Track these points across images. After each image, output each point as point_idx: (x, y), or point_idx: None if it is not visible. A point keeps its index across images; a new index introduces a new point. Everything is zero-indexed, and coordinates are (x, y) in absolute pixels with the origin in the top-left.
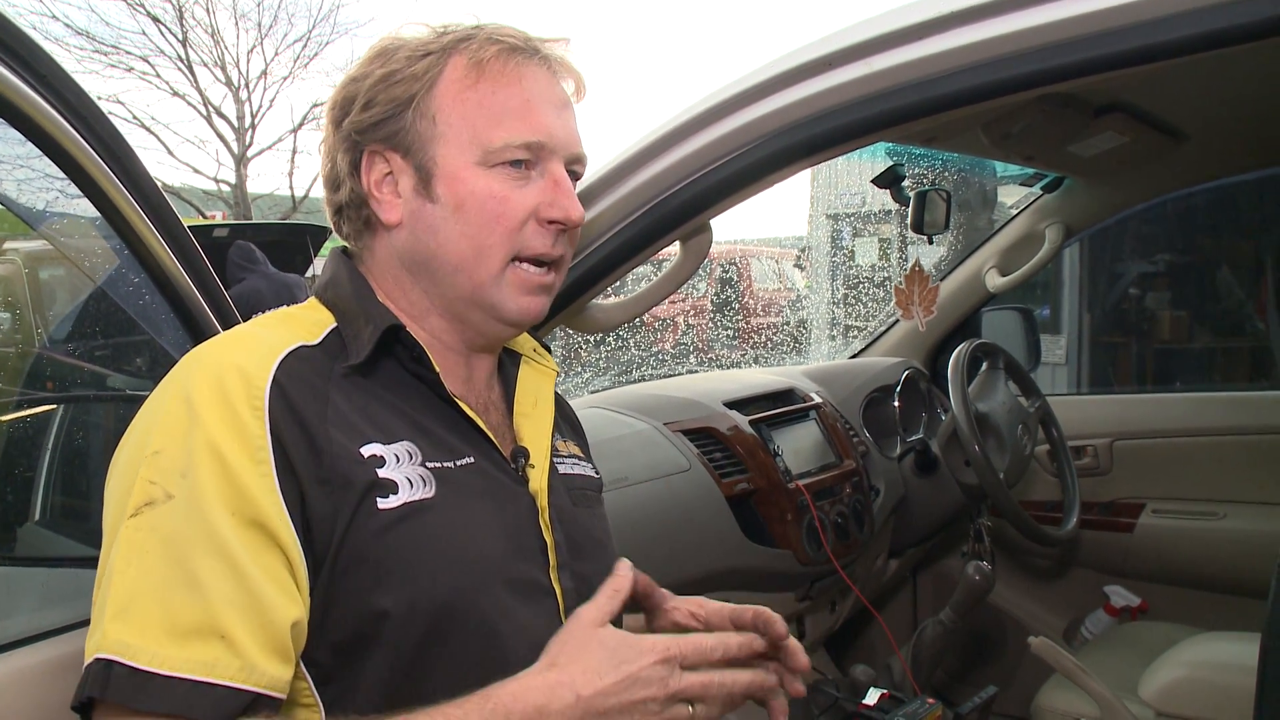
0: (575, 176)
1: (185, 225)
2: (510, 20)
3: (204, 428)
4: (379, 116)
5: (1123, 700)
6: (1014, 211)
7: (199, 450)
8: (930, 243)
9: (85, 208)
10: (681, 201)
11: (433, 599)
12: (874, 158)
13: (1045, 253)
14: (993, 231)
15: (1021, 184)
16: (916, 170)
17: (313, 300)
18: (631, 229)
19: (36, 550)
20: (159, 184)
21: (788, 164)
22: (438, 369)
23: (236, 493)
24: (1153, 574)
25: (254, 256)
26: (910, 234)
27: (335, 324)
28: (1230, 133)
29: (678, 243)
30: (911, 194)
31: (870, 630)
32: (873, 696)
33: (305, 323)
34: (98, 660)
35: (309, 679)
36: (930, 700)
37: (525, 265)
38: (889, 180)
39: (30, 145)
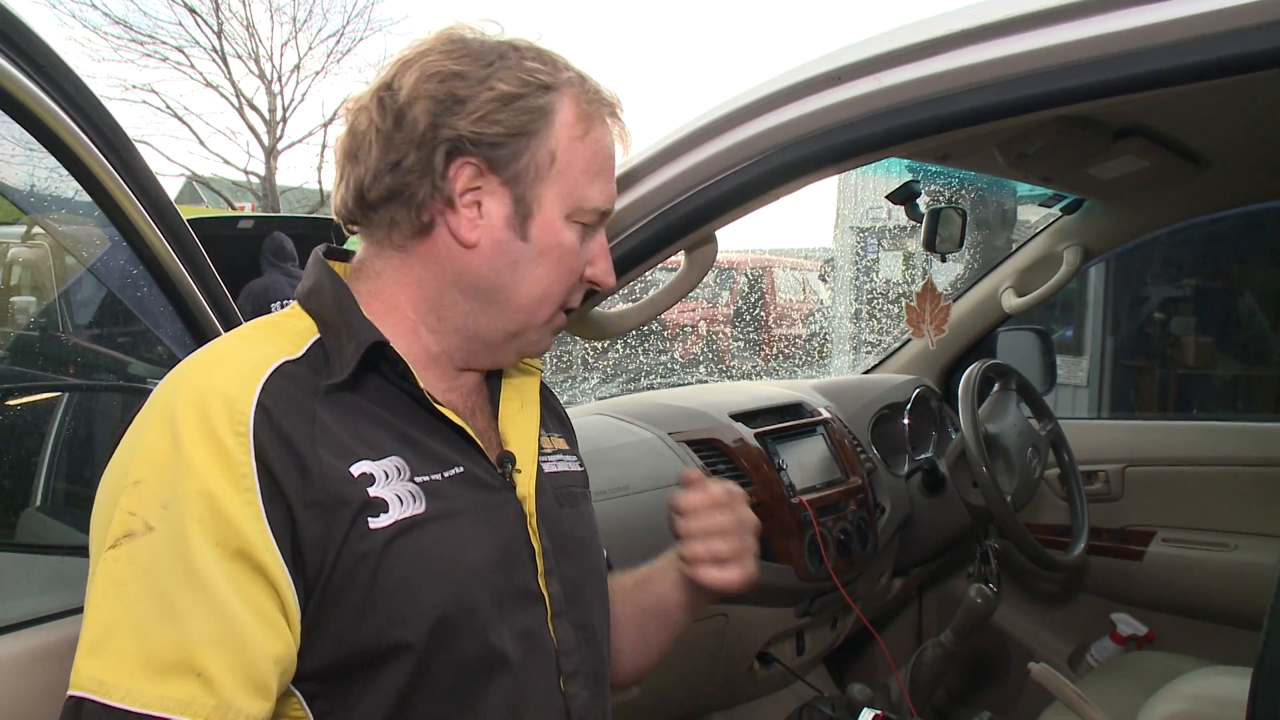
0: None
1: (185, 219)
2: (523, 20)
3: (187, 458)
4: (496, 137)
5: None
6: (1033, 231)
7: (182, 481)
8: (943, 260)
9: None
10: (687, 212)
11: (427, 615)
12: (901, 173)
13: (1062, 275)
14: (1010, 252)
15: (1041, 204)
16: (934, 187)
17: (295, 307)
18: (636, 238)
19: (36, 536)
20: (189, 173)
21: (795, 178)
22: (421, 384)
23: (221, 523)
24: (1161, 603)
25: (284, 252)
26: (948, 252)
27: (318, 334)
28: (1254, 160)
29: (682, 253)
30: (925, 210)
31: (871, 649)
32: (866, 716)
33: (288, 333)
34: (71, 698)
35: (299, 695)
36: None
37: (560, 312)
38: (904, 196)
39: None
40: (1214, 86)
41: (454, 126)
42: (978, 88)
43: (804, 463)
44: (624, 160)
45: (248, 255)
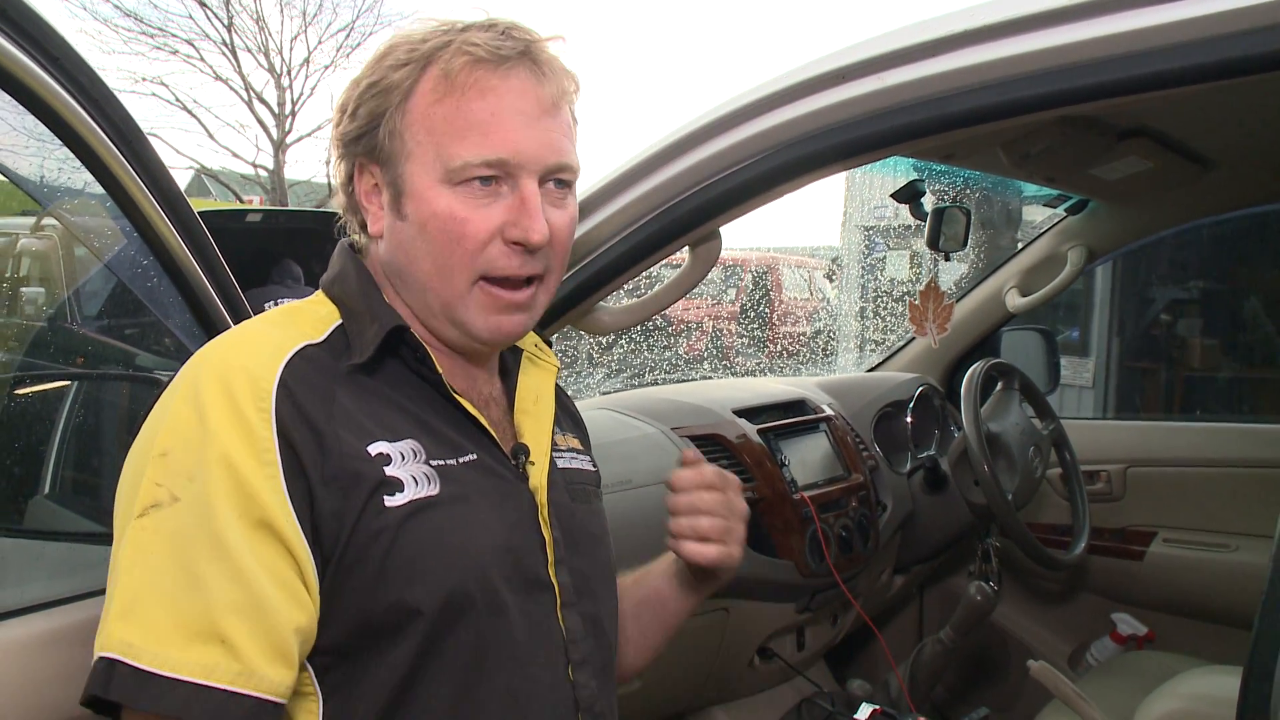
0: (564, 184)
1: (196, 211)
2: (527, 17)
3: (211, 430)
4: (359, 130)
5: None
6: (1038, 231)
7: (207, 453)
8: (946, 259)
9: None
10: (691, 208)
11: (437, 594)
12: (907, 171)
13: (1066, 275)
14: (1015, 251)
15: (1045, 204)
16: (940, 186)
17: (319, 294)
18: (641, 233)
19: (44, 523)
20: (198, 166)
21: (799, 175)
22: (440, 369)
23: (244, 495)
24: (1161, 603)
25: (291, 273)
26: (951, 251)
27: (340, 320)
28: (1259, 162)
29: (687, 249)
30: (930, 209)
31: (872, 645)
32: (864, 712)
33: (311, 319)
34: (101, 659)
35: (310, 668)
36: (921, 719)
37: (492, 286)
38: (908, 195)
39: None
40: (1218, 88)
41: (338, 134)
42: (980, 88)
43: (806, 459)
44: (628, 157)
45: (255, 249)
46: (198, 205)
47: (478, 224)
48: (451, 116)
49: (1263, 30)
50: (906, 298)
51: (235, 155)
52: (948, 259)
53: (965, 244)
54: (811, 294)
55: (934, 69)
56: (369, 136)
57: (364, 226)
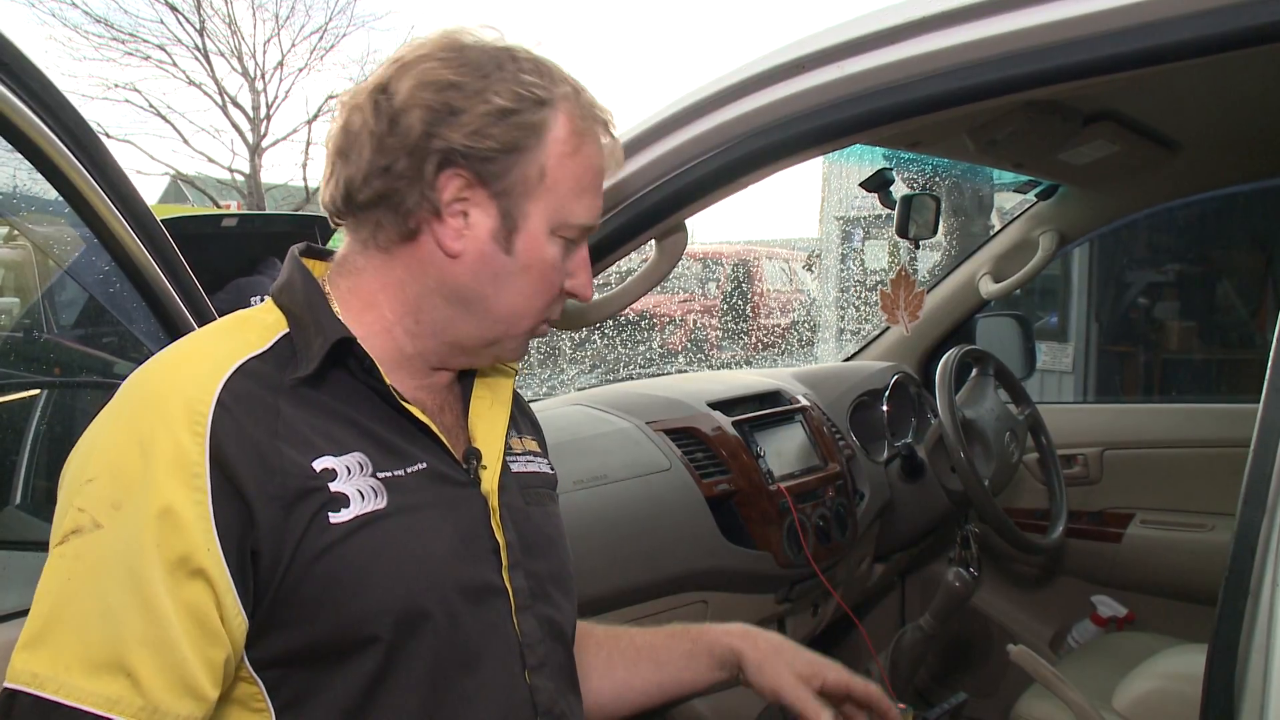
0: None
1: (172, 217)
2: (495, 17)
3: (140, 457)
4: (488, 151)
5: (1099, 710)
6: (1010, 218)
7: (134, 481)
8: (917, 247)
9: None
10: (655, 201)
11: (388, 608)
12: (882, 160)
13: (1039, 260)
14: (987, 238)
15: (1016, 190)
16: (911, 175)
17: (269, 301)
18: (606, 228)
19: (15, 533)
20: (173, 172)
21: (761, 166)
22: (389, 381)
23: (167, 527)
24: (1140, 584)
25: (276, 266)
26: (922, 238)
27: (287, 329)
28: (1225, 143)
29: (653, 242)
30: (898, 197)
31: (854, 634)
32: None
33: (257, 327)
34: (4, 690)
35: (261, 685)
36: (901, 705)
37: (542, 324)
38: (877, 183)
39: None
40: (1181, 70)
41: (447, 138)
42: (939, 74)
43: (782, 450)
44: None
45: (232, 253)
46: (174, 211)
47: (562, 275)
48: (579, 174)
49: (1221, 10)
50: (881, 287)
51: (211, 160)
52: (917, 247)
53: (936, 231)
54: (791, 286)
55: (892, 56)
56: (495, 161)
57: (409, 232)
